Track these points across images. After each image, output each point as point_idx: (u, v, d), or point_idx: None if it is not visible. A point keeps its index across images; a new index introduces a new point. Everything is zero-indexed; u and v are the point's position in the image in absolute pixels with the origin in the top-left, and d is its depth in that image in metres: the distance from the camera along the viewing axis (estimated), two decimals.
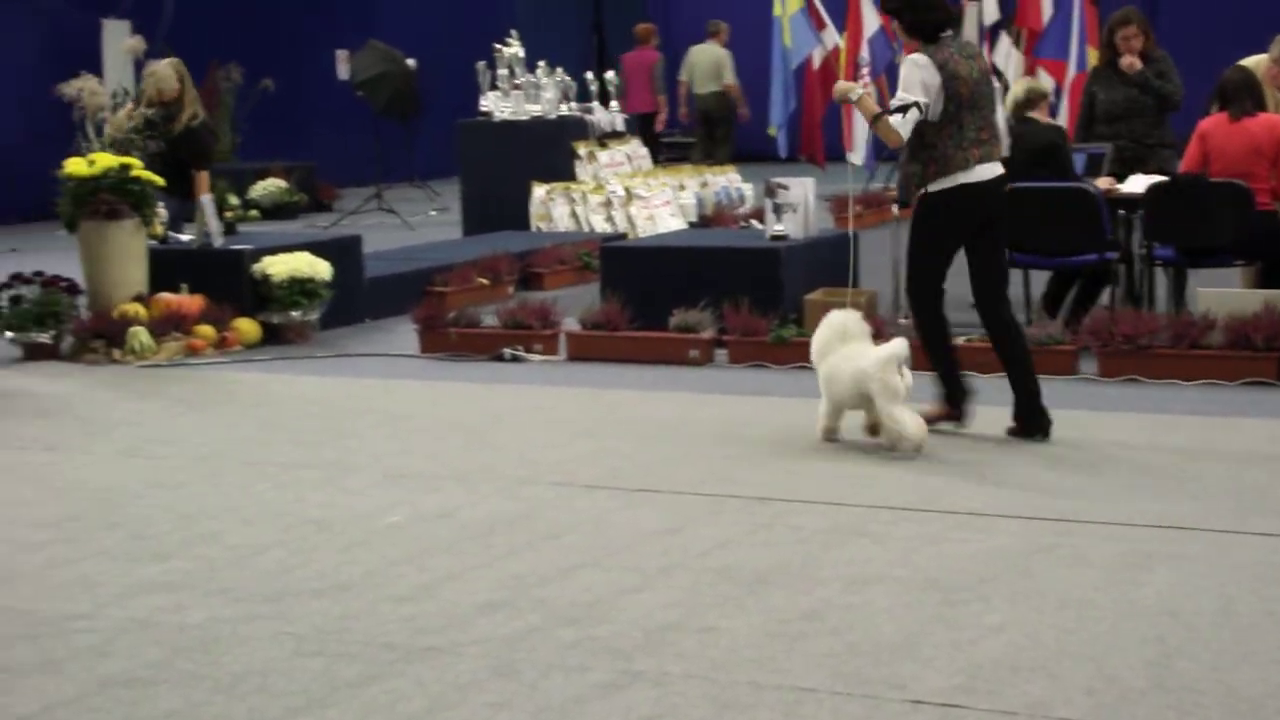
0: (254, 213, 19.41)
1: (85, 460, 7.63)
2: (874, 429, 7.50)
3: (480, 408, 8.68)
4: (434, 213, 19.42)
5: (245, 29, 22.17)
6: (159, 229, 11.10)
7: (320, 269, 10.79)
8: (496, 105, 16.48)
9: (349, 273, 11.35)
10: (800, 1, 15.62)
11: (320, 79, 23.02)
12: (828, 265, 10.12)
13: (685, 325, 9.80)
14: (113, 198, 10.51)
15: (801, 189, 10.44)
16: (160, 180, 10.91)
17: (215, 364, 10.09)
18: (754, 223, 10.67)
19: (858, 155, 15.43)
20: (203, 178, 11.70)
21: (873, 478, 6.95)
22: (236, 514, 6.63)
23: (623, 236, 14.54)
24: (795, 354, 9.33)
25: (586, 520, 6.41)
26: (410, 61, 19.45)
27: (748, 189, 17.20)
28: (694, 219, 15.94)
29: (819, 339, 7.63)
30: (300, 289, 10.68)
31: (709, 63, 20.16)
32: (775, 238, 10.34)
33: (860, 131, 14.97)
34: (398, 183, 21.40)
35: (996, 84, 9.36)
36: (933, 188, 7.49)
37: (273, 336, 10.70)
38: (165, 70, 11.97)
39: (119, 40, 18.73)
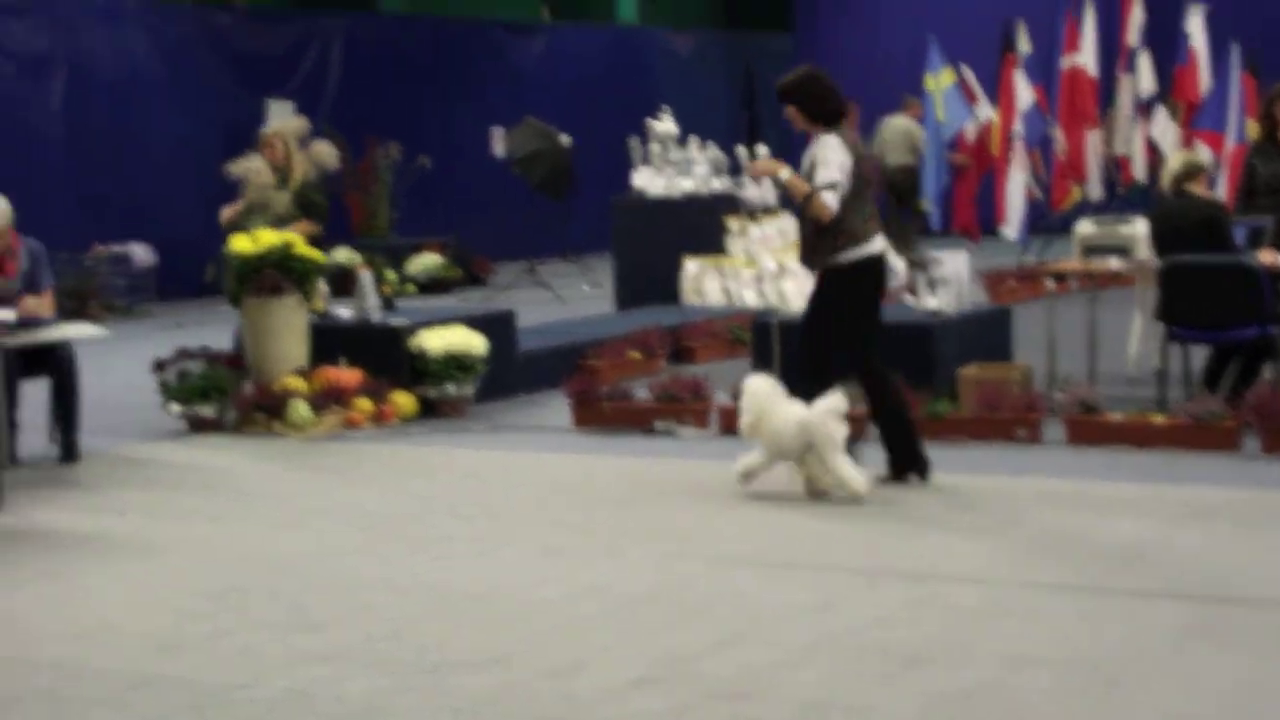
0: (411, 287, 19.67)
1: (247, 532, 7.75)
2: (813, 486, 8.00)
3: (632, 481, 8.70)
4: (587, 287, 19.56)
5: (404, 107, 22.57)
6: (320, 304, 11.29)
7: (475, 343, 10.91)
8: (649, 181, 16.59)
9: (503, 347, 11.45)
10: (953, 76, 15.58)
11: (476, 156, 23.36)
12: (982, 340, 10.02)
13: None
14: (276, 274, 10.71)
15: (955, 263, 10.38)
16: (322, 257, 11.10)
17: (373, 437, 10.22)
18: (906, 296, 10.61)
19: (1011, 229, 15.31)
20: (312, 233, 11.64)
21: (1024, 554, 6.85)
22: (393, 586, 6.69)
23: (774, 311, 14.52)
24: (950, 429, 9.25)
25: (737, 595, 6.38)
26: (565, 138, 19.66)
27: (899, 262, 17.10)
28: None
29: (753, 404, 8.03)
30: (456, 363, 10.80)
31: (900, 136, 20.07)
32: (929, 312, 10.27)
33: (1015, 206, 14.86)
34: (551, 257, 21.59)
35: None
36: (843, 259, 8.02)
37: (429, 410, 10.81)
38: (325, 148, 12.17)
39: (283, 120, 19.15)
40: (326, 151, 12.26)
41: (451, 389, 10.81)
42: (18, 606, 6.56)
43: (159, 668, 5.69)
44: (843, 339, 8.16)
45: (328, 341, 11.01)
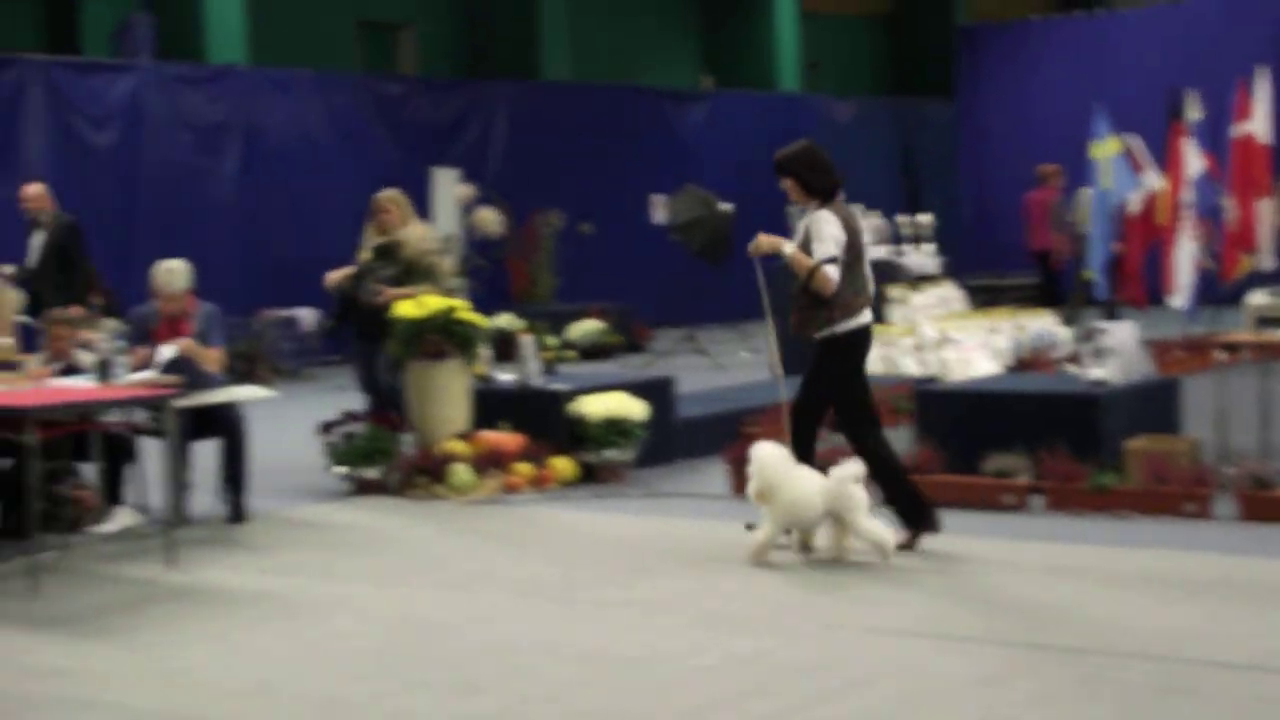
0: (572, 353, 19.80)
1: (407, 594, 7.81)
2: (807, 546, 8.20)
3: (789, 551, 8.64)
4: (745, 354, 19.54)
5: (566, 175, 22.81)
6: (482, 368, 11.40)
7: (635, 409, 10.95)
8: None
9: (663, 413, 11.48)
10: (1119, 145, 15.39)
11: (637, 223, 23.50)
12: (1149, 412, 9.85)
13: (1001, 470, 9.64)
14: (439, 338, 10.84)
15: (1122, 333, 10.22)
16: (485, 321, 11.22)
17: (532, 501, 10.27)
18: (1071, 367, 10.46)
19: (1180, 298, 15.05)
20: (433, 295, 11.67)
21: (1197, 630, 6.69)
22: (551, 650, 6.70)
23: (935, 380, 14.40)
24: (1116, 502, 9.10)
25: (899, 667, 6.31)
26: (725, 205, 19.71)
27: (1064, 332, 16.89)
28: (1009, 362, 15.71)
29: (766, 472, 8.08)
30: (615, 429, 10.84)
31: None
32: (1095, 383, 10.11)
33: (1184, 275, 14.61)
34: (710, 324, 21.62)
35: None
36: (838, 329, 8.30)
37: (588, 475, 10.86)
38: (488, 215, 12.33)
39: (449, 187, 19.43)
40: (490, 218, 12.43)
41: (611, 454, 10.85)
42: (188, 663, 6.67)
43: None
44: (836, 404, 8.49)
45: (489, 406, 11.12)
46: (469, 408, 11.03)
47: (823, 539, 8.27)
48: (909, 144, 29.11)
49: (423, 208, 19.71)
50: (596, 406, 10.88)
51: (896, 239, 17.25)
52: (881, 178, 27.16)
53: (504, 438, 10.79)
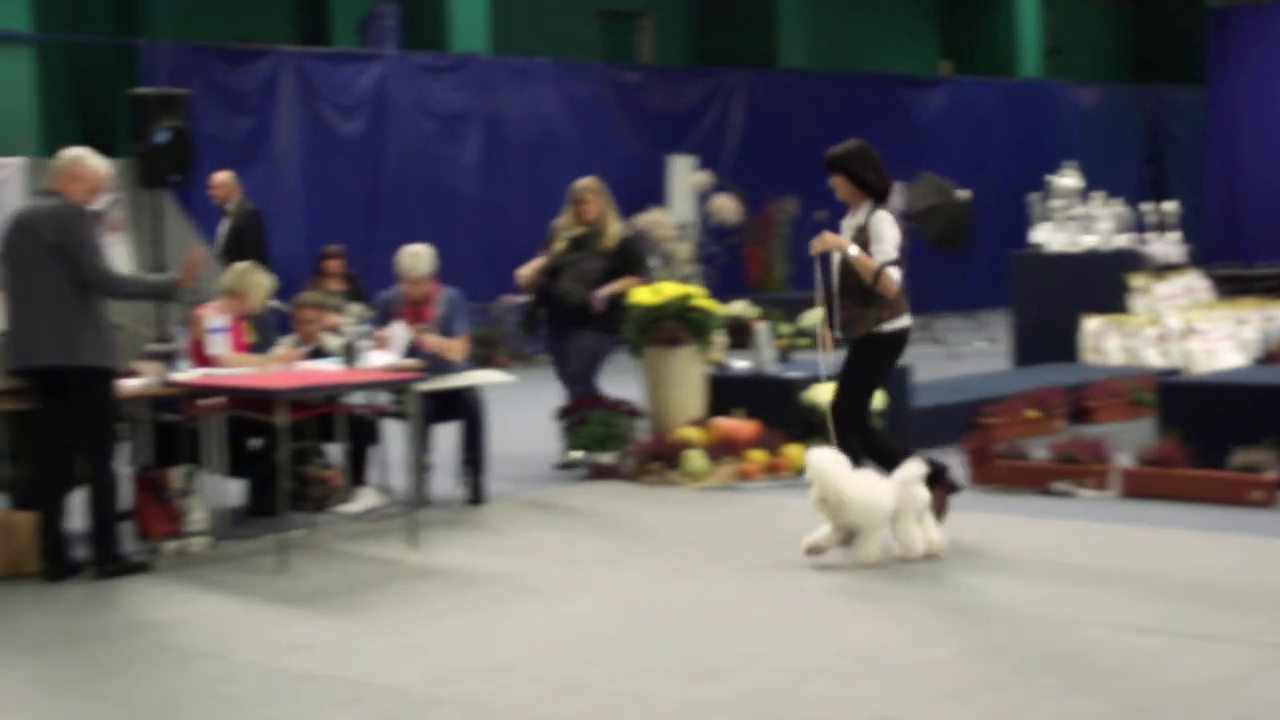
0: (805, 341, 19.72)
1: (642, 578, 7.86)
2: (848, 539, 8.04)
3: (1029, 542, 8.52)
4: (982, 343, 19.29)
5: (802, 162, 22.62)
6: (717, 355, 11.42)
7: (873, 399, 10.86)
8: (1049, 236, 16.28)
9: (897, 402, 11.37)
10: None
11: None
12: None
13: (1248, 465, 9.37)
14: (675, 325, 10.90)
15: None
16: (720, 308, 11.25)
17: (766, 488, 10.27)
18: None
19: None
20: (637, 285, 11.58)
21: None
22: (785, 638, 6.70)
23: (1179, 371, 14.06)
24: None
25: (1143, 664, 6.18)
26: (963, 192, 19.47)
27: None
28: (1257, 354, 15.26)
29: (829, 481, 7.92)
30: None
31: None
32: None
33: None
34: (946, 313, 21.39)
35: None
36: (885, 328, 8.43)
37: None
38: (724, 202, 12.33)
39: (686, 175, 19.52)
40: (726, 205, 12.43)
41: None
42: (428, 641, 6.81)
43: (558, 709, 5.83)
44: (860, 396, 8.59)
45: (724, 393, 11.14)
46: (703, 394, 11.06)
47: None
48: (1154, 130, 28.42)
49: (660, 195, 19.91)
50: (830, 395, 10.81)
51: (1140, 227, 16.85)
52: (1125, 165, 26.57)
53: (738, 425, 10.81)
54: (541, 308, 11.20)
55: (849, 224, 8.61)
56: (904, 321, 8.54)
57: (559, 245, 11.10)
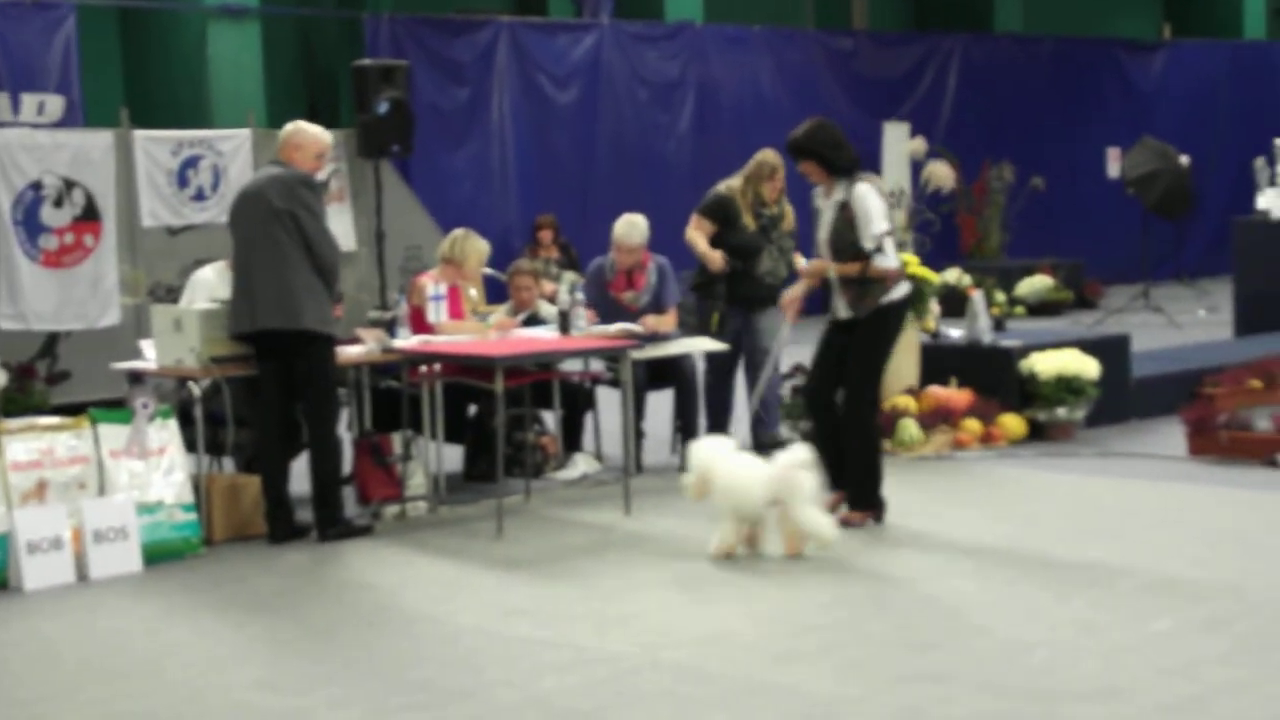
0: (1020, 309, 19.43)
1: (853, 549, 7.79)
2: (754, 541, 7.58)
3: (1252, 515, 8.29)
4: (1203, 312, 18.80)
5: (1018, 128, 22.33)
6: (931, 324, 11.29)
7: (1088, 367, 10.66)
8: (1274, 203, 15.79)
9: (1116, 371, 11.14)
10: None
11: (1091, 177, 22.86)
12: None
13: None
14: None
15: None
16: (935, 276, 11.11)
17: (980, 458, 10.14)
18: None
19: None
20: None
21: None
22: (1002, 609, 6.61)
23: None
24: None
25: None
26: (1184, 159, 18.97)
27: None
28: None
29: (699, 465, 7.64)
30: (1067, 386, 10.59)
31: None
32: None
33: None
34: (1165, 281, 20.89)
35: None
36: (895, 297, 8.24)
37: (1037, 433, 10.64)
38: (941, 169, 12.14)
39: (900, 142, 19.28)
40: (941, 172, 12.27)
41: (1061, 413, 10.61)
42: (643, 608, 6.84)
43: (773, 676, 5.82)
44: (873, 373, 8.35)
45: (938, 361, 11.01)
46: (918, 363, 10.94)
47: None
48: None
49: (875, 162, 19.70)
50: (1048, 364, 10.64)
51: None
52: None
53: (953, 394, 10.67)
54: (718, 299, 10.21)
55: (827, 203, 8.27)
56: (906, 286, 8.46)
57: (749, 223, 10.22)
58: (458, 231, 10.19)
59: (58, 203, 12.10)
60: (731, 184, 10.37)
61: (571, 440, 10.23)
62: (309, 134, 8.41)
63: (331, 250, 8.34)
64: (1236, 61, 25.39)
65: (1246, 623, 6.29)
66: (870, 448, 8.29)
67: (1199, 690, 5.46)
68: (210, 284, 9.23)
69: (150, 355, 8.77)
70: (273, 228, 8.15)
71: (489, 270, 16.78)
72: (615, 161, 18.96)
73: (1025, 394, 10.72)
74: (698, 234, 10.16)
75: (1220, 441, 9.81)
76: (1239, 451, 9.70)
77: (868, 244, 8.09)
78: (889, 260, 8.15)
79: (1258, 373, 11.82)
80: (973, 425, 10.48)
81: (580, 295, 9.66)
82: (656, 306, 10.22)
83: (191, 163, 12.90)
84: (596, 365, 10.57)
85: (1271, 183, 15.93)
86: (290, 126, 8.48)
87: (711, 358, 10.18)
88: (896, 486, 9.26)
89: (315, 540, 8.27)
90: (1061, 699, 5.42)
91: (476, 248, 9.95)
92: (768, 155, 10.39)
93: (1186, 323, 17.68)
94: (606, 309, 10.12)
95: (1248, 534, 7.85)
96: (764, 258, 10.18)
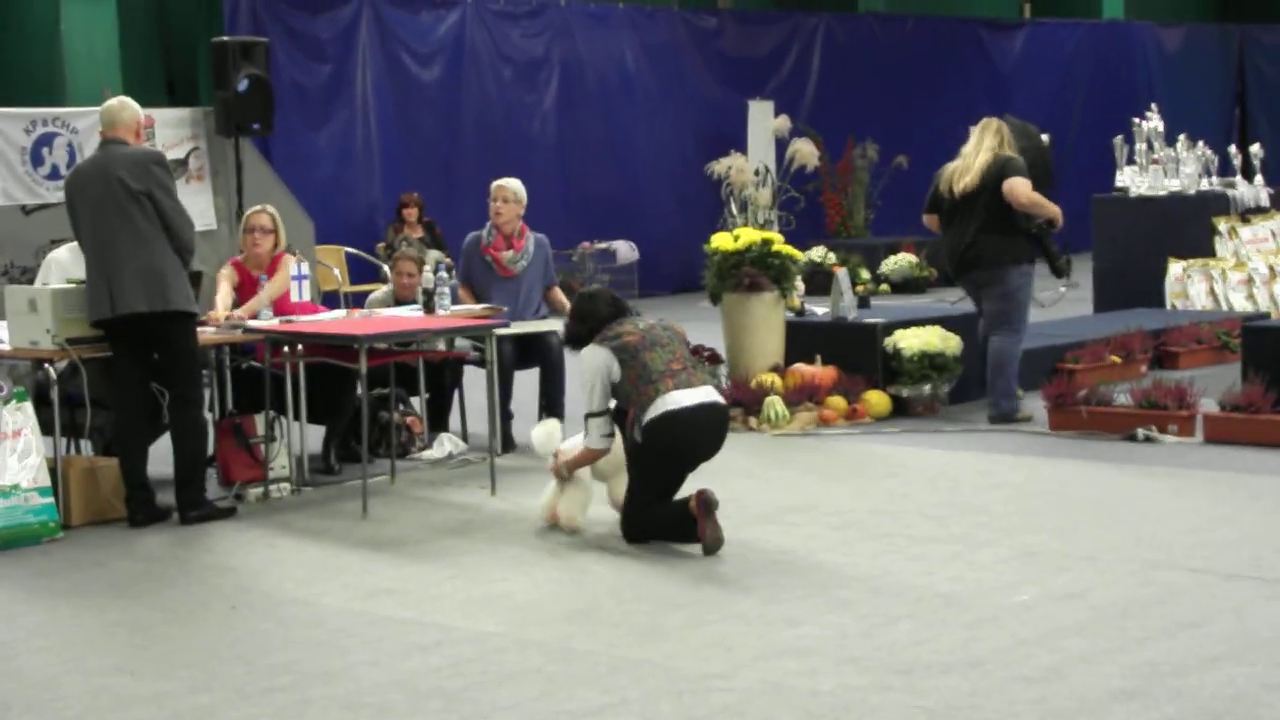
0: (885, 287, 19.63)
1: (727, 524, 7.83)
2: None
3: (1111, 488, 8.46)
4: (1064, 289, 19.09)
5: (882, 107, 22.53)
6: (796, 301, 11.38)
7: (951, 344, 10.80)
8: (1133, 180, 16.08)
9: (977, 348, 11.28)
10: None
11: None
12: None
13: None
14: (755, 271, 10.85)
15: None
16: (799, 254, 11.19)
17: (845, 434, 10.24)
18: None
19: None
20: None
21: None
22: (866, 584, 6.69)
23: (1266, 315, 13.88)
24: None
25: (1226, 610, 6.13)
26: (1044, 137, 19.24)
27: None
28: None
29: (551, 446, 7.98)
30: (930, 363, 10.72)
31: None
32: None
33: None
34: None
35: None
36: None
37: (902, 409, 10.77)
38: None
39: (764, 120, 19.39)
40: (806, 150, 12.36)
41: (926, 389, 10.74)
42: (510, 587, 6.85)
43: (640, 653, 5.85)
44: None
45: (803, 339, 11.10)
46: (783, 341, 11.03)
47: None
48: (1240, 70, 27.98)
49: (739, 141, 19.80)
50: (912, 341, 10.77)
51: (1225, 170, 16.62)
52: (1210, 107, 26.21)
53: (818, 371, 10.77)
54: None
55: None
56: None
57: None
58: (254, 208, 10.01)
59: None
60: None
61: (437, 420, 10.20)
62: (137, 109, 8.30)
63: (189, 228, 8.24)
64: (1095, 41, 25.82)
65: (1103, 593, 6.42)
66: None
67: (1058, 660, 5.57)
68: (65, 264, 9.07)
69: (3, 336, 8.61)
70: (129, 208, 8.03)
71: (352, 250, 16.69)
72: (480, 140, 18.88)
73: (890, 371, 10.84)
74: (1037, 195, 10.63)
75: (1081, 416, 9.99)
76: (1099, 426, 9.88)
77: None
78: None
79: (1116, 348, 12.06)
80: (838, 402, 10.58)
81: (444, 274, 9.62)
82: (544, 280, 10.28)
83: (46, 140, 12.66)
84: (463, 344, 10.53)
85: (1130, 160, 16.22)
86: (116, 101, 8.35)
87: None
88: (763, 464, 9.35)
89: (177, 523, 8.18)
90: (925, 672, 5.50)
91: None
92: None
93: (1047, 299, 17.95)
94: (484, 277, 10.12)
95: (1107, 506, 8.00)
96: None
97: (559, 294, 10.40)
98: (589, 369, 7.59)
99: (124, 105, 8.31)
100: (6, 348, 8.52)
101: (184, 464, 8.23)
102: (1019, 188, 10.31)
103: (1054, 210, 10.50)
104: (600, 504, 7.86)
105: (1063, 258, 11.03)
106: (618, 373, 7.52)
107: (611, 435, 7.65)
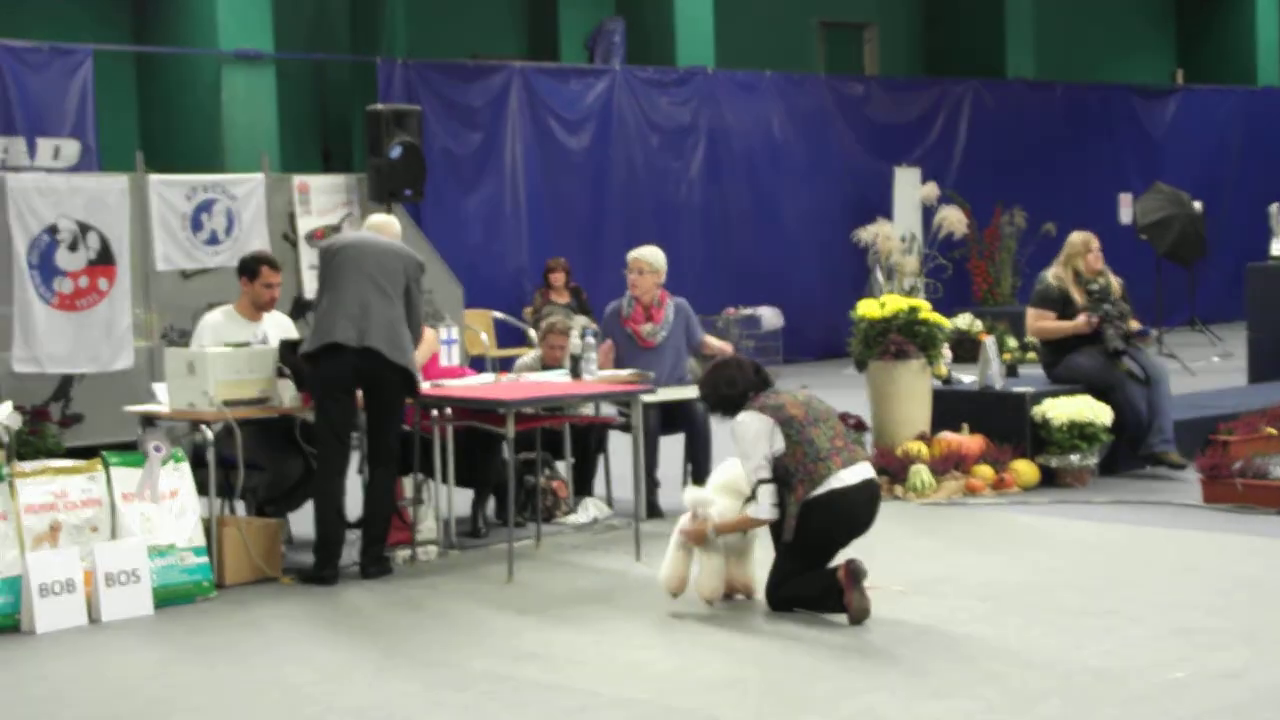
0: (1032, 355, 19.38)
1: (870, 595, 7.75)
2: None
3: (1269, 564, 8.26)
4: (1216, 358, 18.77)
5: (1030, 174, 22.34)
6: (943, 369, 11.29)
7: (1100, 413, 10.64)
8: None
9: (1129, 417, 11.10)
10: None
11: (1103, 223, 22.82)
12: None
13: None
14: (901, 338, 10.79)
15: None
16: (946, 321, 11.11)
17: (992, 504, 10.11)
18: None
19: None
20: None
21: None
22: (1015, 657, 6.58)
23: None
24: None
25: None
26: (1196, 204, 18.99)
27: None
28: None
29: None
30: (1079, 433, 10.57)
31: None
32: None
33: None
34: (1178, 327, 20.88)
35: None
36: None
37: (1050, 479, 10.62)
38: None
39: (911, 187, 19.32)
40: (954, 218, 12.27)
41: (1074, 459, 10.58)
42: (655, 654, 6.84)
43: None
44: None
45: (950, 407, 11.00)
46: (929, 409, 10.93)
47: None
48: None
49: (885, 207, 19.76)
50: (1060, 410, 10.62)
51: None
52: None
53: (965, 440, 10.66)
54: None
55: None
56: None
57: (1078, 298, 11.23)
58: None
59: (73, 246, 12.11)
60: (1052, 274, 11.44)
61: (582, 485, 10.23)
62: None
63: (420, 325, 8.69)
64: (1249, 107, 25.44)
65: (1263, 673, 6.26)
66: None
67: None
68: (218, 327, 9.24)
69: (163, 398, 8.78)
70: (397, 283, 8.48)
71: (500, 314, 16.83)
72: (626, 206, 19.00)
73: (1038, 440, 10.70)
74: (1043, 324, 11.27)
75: (1235, 489, 9.78)
76: (1254, 499, 9.67)
77: None
78: None
79: (1272, 420, 11.79)
80: (985, 471, 10.47)
81: (591, 340, 9.66)
82: (691, 343, 10.29)
83: (205, 206, 12.93)
84: (609, 410, 10.56)
85: None
86: (382, 218, 9.14)
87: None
88: (909, 533, 9.26)
89: (359, 576, 8.40)
90: None
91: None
92: (1074, 236, 11.49)
93: (1200, 369, 17.65)
94: (626, 348, 10.17)
95: (1263, 582, 7.82)
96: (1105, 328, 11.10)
97: (712, 342, 10.37)
98: (751, 435, 7.44)
99: (385, 219, 9.08)
100: (166, 409, 8.69)
101: (381, 519, 8.50)
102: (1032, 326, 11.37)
103: (1073, 327, 11.14)
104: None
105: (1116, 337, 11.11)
106: (780, 445, 7.40)
107: (780, 505, 7.46)
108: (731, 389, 7.66)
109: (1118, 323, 11.08)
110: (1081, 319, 11.09)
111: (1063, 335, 11.18)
